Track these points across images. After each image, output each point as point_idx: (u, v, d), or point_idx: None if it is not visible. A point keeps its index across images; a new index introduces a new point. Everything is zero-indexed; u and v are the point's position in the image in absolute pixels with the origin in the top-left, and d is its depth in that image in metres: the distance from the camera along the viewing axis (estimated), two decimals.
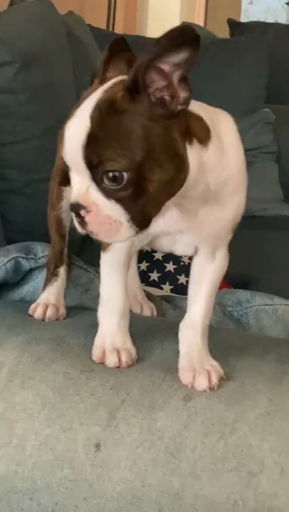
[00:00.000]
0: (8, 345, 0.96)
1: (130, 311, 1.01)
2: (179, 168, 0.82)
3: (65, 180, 1.12)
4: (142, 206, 0.81)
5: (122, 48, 0.91)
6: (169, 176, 0.81)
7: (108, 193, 0.81)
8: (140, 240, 0.95)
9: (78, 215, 0.83)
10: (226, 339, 1.06)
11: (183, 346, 0.95)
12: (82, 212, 0.82)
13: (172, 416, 0.86)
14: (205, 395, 0.89)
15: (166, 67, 0.78)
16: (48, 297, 1.10)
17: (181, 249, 0.97)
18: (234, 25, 3.46)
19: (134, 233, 0.82)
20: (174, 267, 1.68)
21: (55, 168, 1.15)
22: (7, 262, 1.14)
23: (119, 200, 0.81)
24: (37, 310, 1.08)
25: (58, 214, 1.13)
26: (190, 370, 0.91)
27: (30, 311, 1.08)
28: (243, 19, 5.14)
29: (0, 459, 0.86)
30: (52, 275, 1.12)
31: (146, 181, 0.80)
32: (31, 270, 1.16)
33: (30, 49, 1.76)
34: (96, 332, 0.97)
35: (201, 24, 4.77)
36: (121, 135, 0.79)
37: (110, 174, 0.79)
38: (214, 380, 0.90)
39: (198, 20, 4.95)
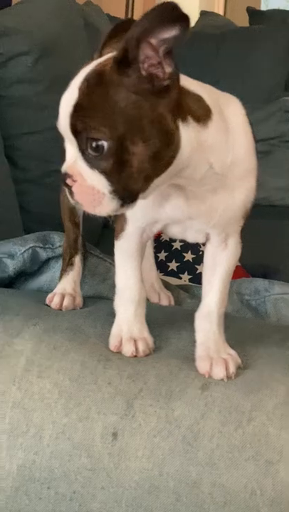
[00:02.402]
0: (25, 334, 0.96)
1: (147, 300, 1.00)
2: (166, 144, 0.81)
3: None
4: (125, 179, 0.81)
5: (127, 29, 0.91)
6: (153, 151, 0.81)
7: (91, 163, 0.82)
8: (150, 226, 0.95)
9: (66, 185, 0.84)
10: (243, 328, 1.05)
11: (199, 336, 0.94)
12: (69, 182, 0.84)
13: (189, 405, 0.86)
14: (222, 384, 0.89)
15: (154, 41, 0.78)
16: (65, 287, 1.10)
17: (192, 235, 0.97)
18: (254, 14, 3.44)
19: (117, 207, 0.83)
20: (193, 256, 1.67)
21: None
22: (24, 251, 1.14)
23: (102, 171, 0.81)
24: (54, 300, 1.08)
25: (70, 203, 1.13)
26: (207, 359, 0.91)
27: (47, 301, 1.08)
28: (263, 7, 5.10)
29: (18, 448, 0.87)
30: (67, 264, 1.12)
31: (129, 154, 0.80)
32: (48, 260, 1.16)
33: (48, 39, 1.76)
34: (113, 321, 0.97)
35: (221, 13, 4.74)
36: (105, 105, 0.80)
37: (93, 143, 0.80)
38: (231, 368, 0.90)
39: (218, 8, 4.92)
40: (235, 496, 0.81)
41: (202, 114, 0.85)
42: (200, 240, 0.97)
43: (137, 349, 0.94)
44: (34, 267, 1.16)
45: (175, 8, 0.76)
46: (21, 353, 0.93)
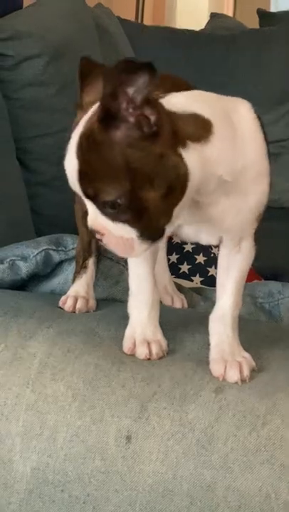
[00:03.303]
0: (39, 337, 0.96)
1: (160, 302, 1.00)
2: (175, 178, 0.83)
3: None
4: (147, 222, 0.84)
5: (90, 66, 0.94)
6: (165, 189, 0.82)
7: (112, 218, 0.84)
8: None
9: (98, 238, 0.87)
10: (257, 331, 1.05)
11: (213, 338, 0.94)
12: (98, 236, 0.87)
13: (203, 408, 0.86)
14: (236, 387, 0.88)
15: (130, 91, 0.79)
16: (78, 289, 1.10)
17: (205, 238, 0.97)
18: (264, 16, 3.43)
19: (148, 245, 0.86)
20: (204, 258, 1.67)
21: None
22: (37, 254, 1.14)
23: (124, 222, 0.84)
24: (67, 302, 1.08)
25: (83, 206, 1.14)
26: (221, 362, 0.91)
27: (60, 304, 1.08)
28: (273, 9, 5.09)
29: (32, 451, 0.87)
30: (81, 267, 1.12)
31: (143, 201, 0.82)
32: (61, 262, 1.16)
33: (60, 42, 1.76)
34: (127, 324, 0.97)
35: (230, 14, 4.73)
36: (105, 167, 0.81)
37: (108, 203, 0.82)
38: (246, 372, 0.90)
39: (228, 10, 4.91)
40: (249, 499, 0.81)
41: (201, 133, 0.85)
42: (213, 242, 0.97)
43: (150, 352, 0.94)
44: (47, 270, 1.16)
45: (134, 60, 0.79)
46: (35, 356, 0.93)
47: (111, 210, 0.83)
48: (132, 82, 0.78)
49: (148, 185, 0.82)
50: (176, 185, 0.83)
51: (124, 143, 0.80)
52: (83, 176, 0.82)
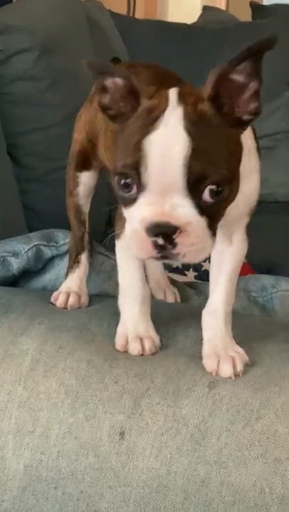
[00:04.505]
0: (31, 333, 0.95)
1: (153, 297, 1.00)
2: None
3: (81, 166, 1.12)
4: (221, 217, 0.81)
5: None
6: (239, 182, 0.82)
7: (204, 209, 0.78)
8: None
9: (166, 239, 0.78)
10: (250, 325, 1.05)
11: (206, 333, 0.94)
12: (160, 240, 0.77)
13: (197, 403, 0.85)
14: (230, 382, 0.88)
15: (240, 77, 0.79)
16: (70, 285, 1.10)
17: None
18: (256, 8, 3.42)
19: (212, 247, 0.81)
20: None
21: (70, 153, 1.15)
22: (28, 249, 1.14)
23: (210, 216, 0.78)
24: (59, 298, 1.07)
25: (76, 200, 1.14)
26: (214, 356, 0.90)
27: (52, 299, 1.08)
28: (266, 2, 5.08)
29: (24, 448, 0.86)
30: (74, 262, 1.12)
31: (232, 193, 0.81)
32: (53, 258, 1.16)
33: (50, 35, 1.75)
34: (119, 320, 0.97)
35: (223, 8, 4.72)
36: (219, 148, 0.78)
37: (214, 188, 0.77)
38: (239, 366, 0.89)
39: (220, 3, 4.90)
40: (244, 494, 0.80)
41: None
42: None
43: (143, 348, 0.93)
44: (38, 266, 1.15)
45: (263, 42, 0.78)
46: (26, 352, 0.92)
47: (211, 199, 0.77)
48: (244, 67, 0.78)
49: (237, 175, 0.81)
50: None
51: (228, 126, 0.80)
52: (197, 155, 0.76)
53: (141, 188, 0.78)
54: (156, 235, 0.78)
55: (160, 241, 0.78)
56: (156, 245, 0.78)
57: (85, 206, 1.14)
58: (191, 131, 0.76)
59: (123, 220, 0.94)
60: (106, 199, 1.66)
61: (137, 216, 0.79)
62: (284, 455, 0.81)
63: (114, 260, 1.15)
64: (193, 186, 0.76)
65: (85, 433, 0.85)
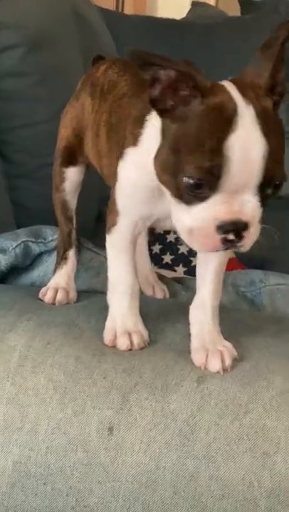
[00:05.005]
0: (19, 329, 0.95)
1: (142, 293, 1.00)
2: None
3: (67, 162, 1.12)
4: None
5: None
6: None
7: (263, 202, 0.80)
8: (143, 221, 0.95)
9: (236, 234, 0.80)
10: (239, 320, 1.05)
11: (194, 328, 0.94)
12: (231, 236, 0.80)
13: (185, 398, 0.85)
14: (218, 377, 0.88)
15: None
16: (58, 281, 1.09)
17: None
18: (245, 3, 3.41)
19: None
20: (187, 249, 1.66)
21: (56, 149, 1.15)
22: (16, 246, 1.13)
23: (263, 209, 0.81)
24: (47, 294, 1.07)
25: (62, 196, 1.14)
26: (202, 351, 0.90)
27: (40, 295, 1.07)
28: None
29: (13, 444, 0.86)
30: (61, 258, 1.12)
31: None
32: (41, 254, 1.15)
33: (38, 31, 1.74)
34: (107, 315, 0.97)
35: (212, 3, 4.71)
36: (281, 143, 0.79)
37: (278, 183, 0.79)
38: (227, 361, 0.89)
39: None
40: (232, 488, 0.81)
41: None
42: None
43: (131, 342, 0.93)
44: (26, 262, 1.15)
45: None
46: (14, 349, 0.92)
47: (272, 194, 0.80)
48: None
49: None
50: None
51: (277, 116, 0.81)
52: (271, 153, 0.77)
53: (214, 188, 0.78)
54: (227, 232, 0.79)
55: (231, 237, 0.80)
56: (225, 241, 0.80)
57: (72, 202, 1.14)
58: (264, 132, 0.77)
59: (114, 214, 0.95)
60: (95, 195, 1.66)
61: (206, 215, 0.79)
62: (272, 449, 0.81)
63: (103, 256, 1.15)
64: (264, 184, 0.78)
65: (73, 429, 0.85)
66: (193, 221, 0.80)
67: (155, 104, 0.81)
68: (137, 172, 0.90)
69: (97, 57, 1.22)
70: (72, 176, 1.13)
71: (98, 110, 1.05)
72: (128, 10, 3.61)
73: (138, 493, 0.83)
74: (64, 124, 1.16)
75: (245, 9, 3.38)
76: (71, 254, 1.12)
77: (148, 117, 0.88)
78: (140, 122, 0.89)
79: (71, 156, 1.13)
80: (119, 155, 0.92)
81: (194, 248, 0.83)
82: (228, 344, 0.92)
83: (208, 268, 0.95)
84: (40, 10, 1.82)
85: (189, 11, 3.33)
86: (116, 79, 1.05)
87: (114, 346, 0.94)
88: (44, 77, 1.71)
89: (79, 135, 1.11)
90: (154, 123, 0.86)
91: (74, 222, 1.14)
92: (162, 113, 0.81)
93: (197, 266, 0.97)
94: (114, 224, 0.95)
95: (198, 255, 0.97)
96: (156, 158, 0.83)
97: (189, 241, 0.82)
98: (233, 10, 3.49)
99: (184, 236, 0.82)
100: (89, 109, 1.09)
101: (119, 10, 3.51)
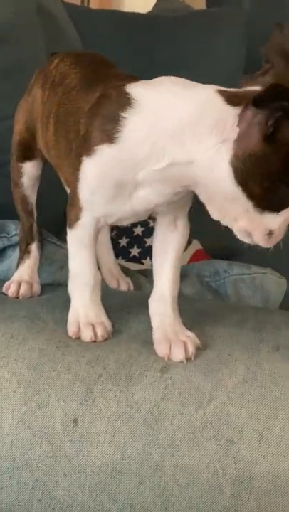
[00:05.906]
0: None
1: (106, 285, 1.00)
2: None
3: (23, 156, 1.11)
4: None
5: None
6: None
7: None
8: (106, 218, 0.94)
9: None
10: (203, 309, 1.05)
11: (155, 321, 0.94)
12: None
13: (149, 388, 0.86)
14: (182, 366, 0.89)
15: None
16: (22, 274, 1.09)
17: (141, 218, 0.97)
18: None
19: None
20: None
21: (11, 144, 1.14)
22: None
23: None
24: (10, 288, 1.07)
25: (21, 191, 1.13)
26: (165, 342, 0.91)
27: (3, 289, 1.07)
28: None
29: None
30: (24, 252, 1.11)
31: None
32: (5, 249, 1.15)
33: (1, 26, 1.73)
34: None
35: None
36: None
37: None
38: (190, 349, 0.90)
39: None
40: (197, 476, 0.81)
41: None
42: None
43: (95, 334, 0.93)
44: None
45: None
46: None
47: None
48: None
49: None
50: None
51: None
52: None
53: None
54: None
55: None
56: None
57: (32, 197, 1.13)
58: None
59: (77, 209, 0.94)
60: (63, 190, 1.65)
61: (282, 220, 0.87)
62: (236, 436, 0.82)
63: (67, 250, 1.15)
64: None
65: (38, 422, 0.85)
66: (277, 224, 0.87)
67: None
68: (111, 169, 0.87)
69: (54, 54, 1.22)
70: (30, 171, 1.13)
71: (47, 102, 1.05)
72: (94, 4, 3.60)
73: (104, 484, 0.83)
74: (17, 119, 1.15)
75: (210, 2, 3.39)
76: (34, 247, 1.12)
77: (125, 115, 0.85)
78: (113, 119, 0.86)
79: (27, 151, 1.12)
80: (84, 152, 0.89)
81: (269, 245, 0.89)
82: (190, 334, 0.93)
83: (166, 258, 0.95)
84: (2, 4, 1.81)
85: (155, 5, 3.33)
86: (66, 71, 1.04)
87: (78, 338, 0.94)
88: (7, 72, 1.69)
89: (31, 128, 1.11)
90: (137, 121, 0.85)
91: (35, 216, 1.13)
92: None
93: (154, 257, 0.96)
94: (77, 219, 0.94)
95: (154, 247, 0.96)
96: (251, 160, 0.83)
97: (266, 242, 0.88)
98: (199, 3, 3.49)
99: (262, 236, 0.87)
100: (39, 101, 1.08)
101: (85, 4, 3.49)
